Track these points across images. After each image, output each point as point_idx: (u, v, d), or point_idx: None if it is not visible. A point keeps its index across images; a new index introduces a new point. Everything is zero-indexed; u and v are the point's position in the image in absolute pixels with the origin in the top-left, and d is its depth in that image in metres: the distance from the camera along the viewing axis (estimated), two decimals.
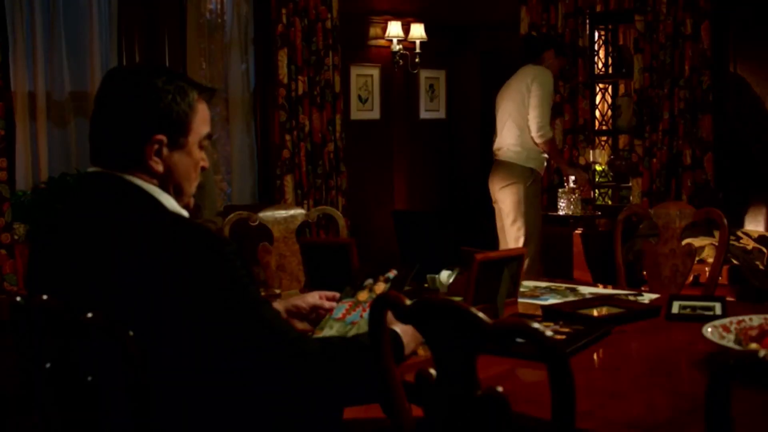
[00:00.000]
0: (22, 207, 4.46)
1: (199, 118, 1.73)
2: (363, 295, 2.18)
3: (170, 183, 1.71)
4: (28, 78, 4.68)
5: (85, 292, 1.57)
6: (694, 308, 2.49)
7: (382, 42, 6.31)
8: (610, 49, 6.42)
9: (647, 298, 2.78)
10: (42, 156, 4.73)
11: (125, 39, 5.03)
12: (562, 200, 5.53)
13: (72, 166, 4.71)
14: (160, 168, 1.68)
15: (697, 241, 4.35)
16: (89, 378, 1.50)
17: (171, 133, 1.68)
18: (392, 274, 2.20)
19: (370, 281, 2.21)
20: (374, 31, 6.30)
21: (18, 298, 1.56)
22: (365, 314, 2.07)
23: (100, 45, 4.94)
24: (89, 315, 1.39)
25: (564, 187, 5.56)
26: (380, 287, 2.18)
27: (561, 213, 5.52)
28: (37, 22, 4.69)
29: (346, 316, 2.13)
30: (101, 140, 1.69)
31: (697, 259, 3.68)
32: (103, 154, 1.69)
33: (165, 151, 1.68)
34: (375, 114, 6.36)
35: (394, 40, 6.25)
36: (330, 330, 2.11)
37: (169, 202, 1.70)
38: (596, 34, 6.21)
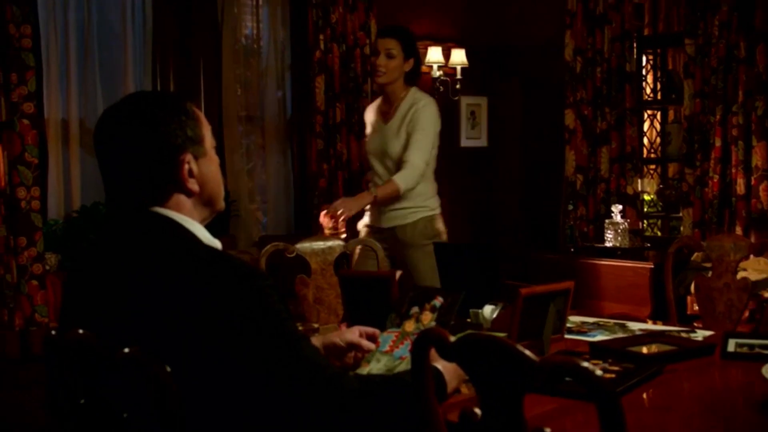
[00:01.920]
0: (53, 237, 4.53)
1: (202, 122, 1.78)
2: (410, 326, 2.17)
3: (205, 196, 1.77)
4: (61, 105, 4.78)
5: (120, 329, 1.59)
6: (751, 346, 2.45)
7: (421, 68, 6.33)
8: (659, 74, 6.39)
9: (700, 335, 2.74)
10: (74, 184, 4.81)
11: (160, 65, 5.12)
12: (609, 231, 5.50)
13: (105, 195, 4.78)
14: (196, 187, 1.73)
15: (753, 275, 4.30)
16: (124, 414, 1.51)
17: (191, 147, 1.73)
18: (438, 302, 2.20)
19: (416, 309, 2.20)
20: None
21: (53, 332, 1.58)
22: None
23: (134, 71, 5.03)
24: (126, 350, 1.41)
25: (611, 217, 5.53)
26: (427, 317, 2.18)
27: (608, 245, 5.48)
28: (71, 48, 4.79)
29: (393, 350, 2.13)
30: (128, 183, 1.71)
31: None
32: (133, 193, 1.71)
33: (195, 167, 1.73)
34: None
35: (434, 66, 6.28)
36: (377, 363, 2.11)
37: (202, 233, 1.74)
38: (644, 59, 6.20)
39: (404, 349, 2.12)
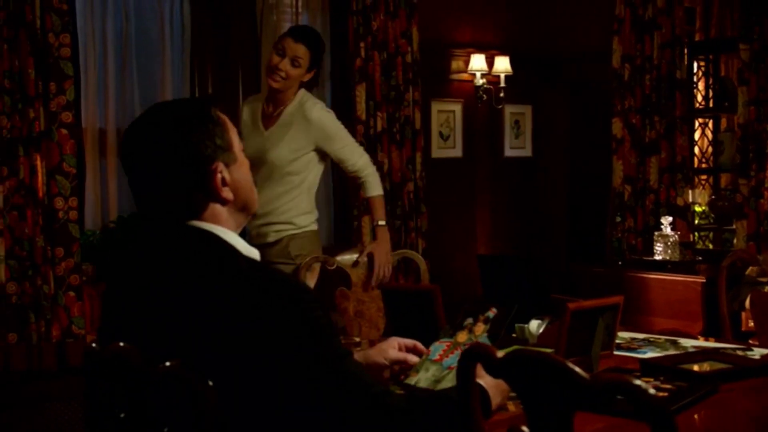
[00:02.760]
0: (90, 247, 4.58)
1: (229, 127, 1.78)
2: (462, 336, 2.19)
3: (240, 202, 1.77)
4: (99, 114, 4.85)
5: (162, 343, 1.60)
6: None
7: (464, 76, 6.34)
8: (711, 81, 6.33)
9: (757, 353, 2.70)
10: (111, 194, 4.88)
11: (198, 74, 5.17)
12: (658, 244, 5.44)
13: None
14: (230, 195, 1.74)
15: None
16: (165, 429, 1.53)
17: (222, 155, 1.73)
18: (492, 313, 2.22)
19: (470, 321, 2.23)
20: (456, 64, 6.34)
21: (93, 345, 1.60)
22: None
23: (172, 80, 5.08)
24: (167, 364, 1.42)
25: (660, 229, 5.47)
26: (480, 328, 2.19)
27: (658, 258, 5.43)
28: (109, 57, 4.86)
29: (443, 359, 2.14)
30: (161, 198, 1.72)
31: None
32: (167, 208, 1.72)
33: (227, 175, 1.73)
34: (457, 152, 6.37)
35: (478, 74, 6.27)
36: (425, 373, 2.12)
37: (240, 243, 1.74)
38: (695, 65, 6.14)
39: (454, 359, 2.13)
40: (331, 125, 3.90)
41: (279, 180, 3.84)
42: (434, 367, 2.13)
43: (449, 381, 2.05)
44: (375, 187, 3.94)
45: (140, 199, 1.75)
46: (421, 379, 2.11)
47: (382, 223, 3.91)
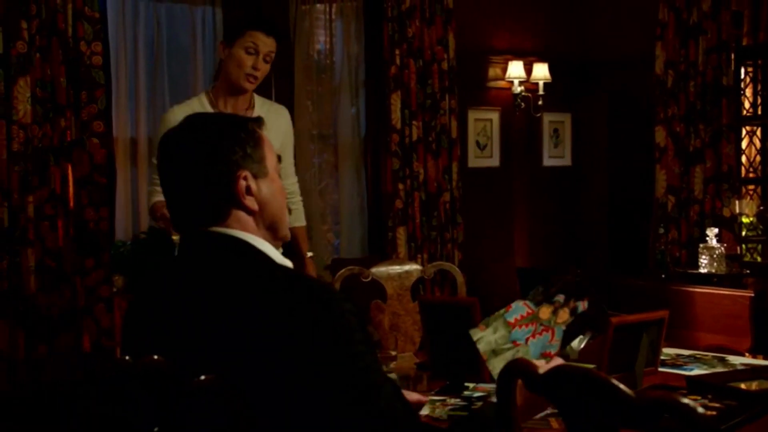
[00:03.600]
0: (121, 258, 4.62)
1: (264, 143, 1.78)
2: (545, 313, 2.18)
3: (267, 219, 1.76)
4: (130, 123, 4.90)
5: (191, 351, 1.60)
6: None
7: (502, 83, 6.33)
8: (759, 88, 6.26)
9: None
10: (142, 204, 4.91)
11: None
12: (703, 256, 5.38)
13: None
14: (255, 206, 1.73)
15: None
16: None
17: (250, 165, 1.73)
18: (582, 306, 2.20)
19: (560, 298, 2.20)
20: (494, 71, 6.33)
21: (127, 358, 1.61)
22: (533, 341, 2.09)
23: (203, 89, 5.09)
24: (203, 378, 1.43)
25: (705, 241, 5.42)
26: (564, 316, 2.18)
27: (703, 271, 5.37)
28: (140, 66, 4.92)
29: (515, 326, 2.12)
30: (189, 203, 1.73)
31: None
32: (192, 212, 1.73)
33: (253, 185, 1.73)
34: (494, 161, 6.36)
35: (515, 81, 6.26)
36: (492, 334, 2.11)
37: (273, 252, 1.74)
38: (743, 71, 6.07)
39: (523, 335, 2.11)
40: (292, 136, 3.74)
41: None
42: (502, 331, 2.12)
43: (502, 360, 2.02)
44: (302, 217, 3.81)
45: (170, 205, 1.77)
46: (483, 340, 2.08)
47: (311, 254, 3.84)
